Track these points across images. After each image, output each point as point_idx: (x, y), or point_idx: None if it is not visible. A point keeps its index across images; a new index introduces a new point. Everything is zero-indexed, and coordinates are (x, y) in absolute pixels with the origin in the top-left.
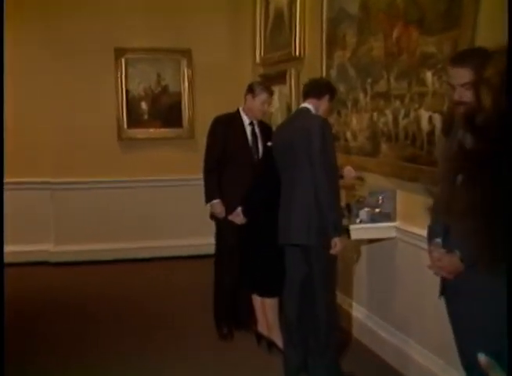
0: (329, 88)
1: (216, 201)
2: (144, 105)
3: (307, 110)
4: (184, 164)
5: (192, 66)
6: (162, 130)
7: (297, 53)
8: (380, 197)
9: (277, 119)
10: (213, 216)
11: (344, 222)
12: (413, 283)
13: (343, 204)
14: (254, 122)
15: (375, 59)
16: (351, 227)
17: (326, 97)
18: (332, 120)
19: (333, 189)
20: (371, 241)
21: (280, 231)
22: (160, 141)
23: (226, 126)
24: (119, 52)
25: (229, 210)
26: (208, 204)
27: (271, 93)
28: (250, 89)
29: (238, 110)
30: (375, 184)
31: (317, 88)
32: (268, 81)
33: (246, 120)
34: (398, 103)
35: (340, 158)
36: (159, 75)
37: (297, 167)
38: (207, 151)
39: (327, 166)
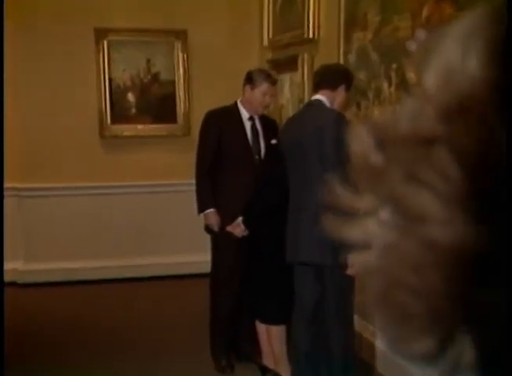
0: (345, 77)
1: (210, 211)
2: (131, 96)
3: (319, 102)
4: (178, 167)
5: (188, 50)
6: (152, 126)
7: (311, 35)
8: None
9: (288, 112)
10: (208, 228)
11: None
12: None
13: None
14: (255, 117)
15: (401, 41)
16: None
17: (342, 87)
18: (350, 114)
19: None
20: None
21: (288, 246)
22: (150, 139)
23: (221, 122)
24: (100, 34)
25: (227, 220)
26: (202, 214)
27: (273, 82)
28: (249, 78)
29: (235, 102)
30: None
31: (331, 77)
32: (277, 67)
33: (245, 114)
34: None
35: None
36: (148, 61)
37: (307, 170)
38: (198, 152)
39: (342, 163)
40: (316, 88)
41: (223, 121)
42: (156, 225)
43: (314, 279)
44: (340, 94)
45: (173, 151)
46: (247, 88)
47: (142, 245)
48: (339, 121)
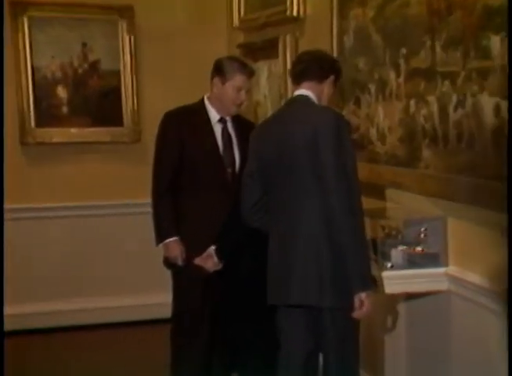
0: (333, 65)
1: (172, 240)
2: (62, 91)
3: (306, 99)
4: (126, 183)
5: (136, 31)
6: (91, 130)
7: (295, 12)
8: (423, 229)
9: (266, 111)
10: (168, 262)
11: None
12: (475, 358)
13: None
14: (227, 118)
15: (412, 19)
16: (378, 275)
17: (331, 78)
18: (346, 112)
19: (356, 220)
20: (410, 297)
21: (272, 285)
22: (87, 147)
23: (184, 126)
24: (18, 8)
25: (195, 251)
26: (161, 245)
27: (250, 74)
28: (218, 69)
29: (202, 100)
30: (414, 208)
31: (318, 66)
32: (252, 53)
33: (214, 115)
34: (447, 84)
35: (362, 169)
36: (84, 45)
37: (295, 186)
38: (155, 166)
39: (345, 181)
40: (298, 80)
41: (186, 124)
42: (97, 259)
43: (307, 325)
44: (329, 87)
45: (118, 162)
46: (217, 81)
47: (79, 285)
48: (339, 123)
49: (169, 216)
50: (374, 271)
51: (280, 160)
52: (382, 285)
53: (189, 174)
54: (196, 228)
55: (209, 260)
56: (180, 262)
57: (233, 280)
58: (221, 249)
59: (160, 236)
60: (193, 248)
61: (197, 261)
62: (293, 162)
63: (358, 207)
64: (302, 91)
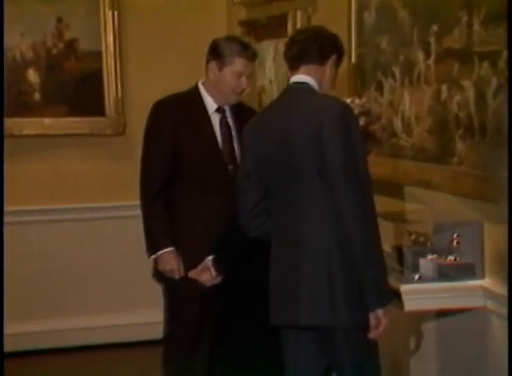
0: (335, 43)
1: (167, 251)
2: (33, 75)
3: (306, 86)
4: (108, 182)
5: (121, 6)
6: (68, 121)
7: None
8: (455, 235)
9: (272, 98)
10: (160, 276)
11: (391, 280)
12: None
13: (387, 247)
14: (226, 107)
15: None
16: (405, 289)
17: (333, 59)
18: (366, 99)
19: (370, 224)
20: (441, 314)
21: (276, 303)
22: (64, 140)
23: (177, 117)
24: None
25: (190, 263)
26: (153, 256)
27: (252, 57)
28: (215, 52)
29: (196, 86)
30: (445, 211)
31: (316, 46)
32: (256, 32)
33: (211, 104)
34: (486, 66)
35: (384, 165)
36: (60, 21)
37: (300, 191)
38: (144, 164)
39: (356, 185)
40: (295, 64)
41: (179, 115)
42: (72, 273)
43: (318, 347)
44: (331, 69)
45: (100, 158)
46: (213, 66)
47: (55, 303)
48: (346, 114)
49: (163, 223)
50: (399, 284)
51: (279, 160)
52: (407, 300)
53: (184, 173)
54: (191, 235)
55: (205, 273)
56: (177, 276)
57: (234, 294)
58: (220, 260)
59: (154, 247)
60: (189, 259)
61: (192, 274)
62: (295, 163)
63: (372, 212)
64: (300, 77)
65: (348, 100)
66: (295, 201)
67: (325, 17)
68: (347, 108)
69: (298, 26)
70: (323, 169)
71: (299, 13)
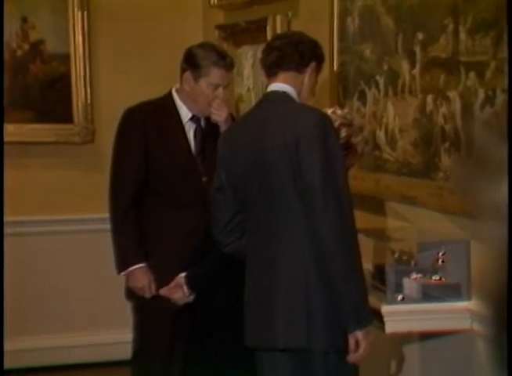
0: (315, 49)
1: (138, 267)
2: None
3: (284, 95)
4: (76, 193)
5: (91, 6)
6: (33, 128)
7: None
8: (441, 254)
9: (250, 107)
10: (130, 293)
11: (373, 300)
12: None
13: (367, 265)
14: (201, 116)
15: None
16: (387, 310)
17: (312, 66)
18: (349, 110)
19: (349, 242)
20: (425, 336)
21: (251, 323)
22: (28, 148)
23: (149, 126)
24: None
25: (162, 281)
26: (123, 273)
27: (229, 66)
28: (190, 62)
29: (170, 94)
30: (430, 229)
31: (294, 52)
32: (234, 37)
33: (185, 112)
34: (473, 77)
35: (366, 180)
36: (25, 21)
37: (277, 207)
38: (114, 175)
39: (335, 201)
40: (272, 71)
41: (152, 124)
42: (34, 289)
43: (295, 371)
44: (310, 77)
45: (67, 168)
46: (188, 76)
47: (20, 320)
48: (325, 127)
49: (133, 238)
50: (381, 304)
51: (255, 175)
52: (389, 322)
53: (156, 185)
54: (164, 251)
55: (177, 291)
56: (149, 294)
57: (207, 312)
58: (194, 277)
59: (124, 263)
60: (161, 276)
61: (163, 291)
62: (271, 178)
63: (351, 230)
64: (278, 85)
65: (329, 111)
66: (271, 218)
67: (306, 22)
68: (326, 119)
69: (278, 31)
70: (301, 185)
71: (279, 18)
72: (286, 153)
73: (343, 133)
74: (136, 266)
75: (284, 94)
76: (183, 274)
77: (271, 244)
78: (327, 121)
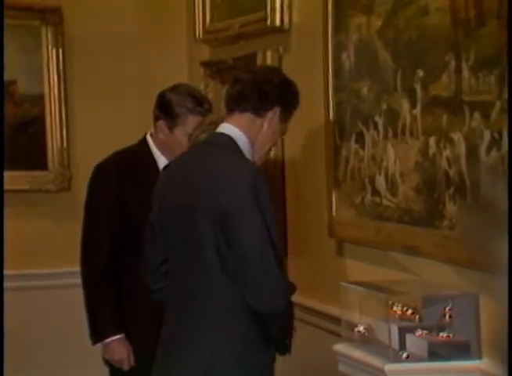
0: (283, 94)
1: (116, 338)
2: None
3: (227, 142)
4: (51, 245)
5: (66, 43)
6: (5, 175)
7: (278, 21)
8: (448, 309)
9: None
10: (109, 363)
11: (376, 358)
12: None
13: (369, 321)
14: None
15: (432, 32)
16: (390, 368)
17: (275, 111)
18: (346, 152)
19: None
20: None
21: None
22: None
23: (124, 180)
24: None
25: (141, 350)
26: (100, 344)
27: (207, 112)
28: (165, 109)
29: (145, 140)
30: (435, 282)
31: (256, 90)
32: (220, 74)
33: (162, 161)
34: (477, 118)
35: (365, 228)
36: None
37: (201, 263)
38: (86, 238)
39: (276, 261)
40: (231, 107)
41: (127, 178)
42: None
43: None
44: (270, 124)
45: (41, 218)
46: (163, 125)
47: None
48: (256, 186)
49: (110, 305)
50: (384, 363)
51: (178, 224)
52: None
53: (133, 242)
54: (142, 318)
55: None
56: (126, 367)
57: None
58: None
59: (99, 334)
60: (141, 345)
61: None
62: (193, 234)
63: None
64: (228, 127)
65: None
66: (189, 276)
67: (298, 58)
68: (257, 176)
69: None
70: (230, 252)
71: (269, 53)
72: (211, 216)
73: None
74: (113, 338)
75: (228, 139)
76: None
77: (186, 301)
78: (259, 177)
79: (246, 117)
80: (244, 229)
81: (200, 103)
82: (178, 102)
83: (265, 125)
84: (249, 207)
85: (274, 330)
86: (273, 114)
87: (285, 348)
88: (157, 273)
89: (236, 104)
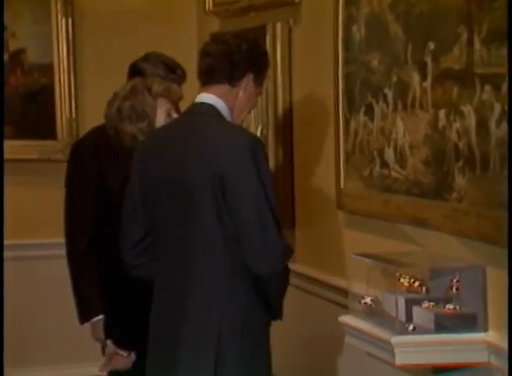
0: (251, 59)
1: (101, 318)
2: None
3: (211, 110)
4: (59, 214)
5: (76, 13)
6: (13, 144)
7: None
8: (455, 281)
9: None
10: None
11: (382, 330)
12: None
13: (376, 292)
14: None
15: (444, 4)
16: (397, 340)
17: (248, 78)
18: (355, 124)
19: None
20: (438, 370)
21: (153, 365)
22: (8, 167)
23: (101, 155)
24: None
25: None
26: (86, 324)
27: (181, 80)
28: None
29: None
30: (443, 254)
31: (227, 62)
32: None
33: None
34: (488, 90)
35: (373, 201)
36: (5, 29)
37: (193, 234)
38: (69, 218)
39: (275, 227)
40: (205, 80)
41: (104, 153)
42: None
43: None
44: (245, 90)
45: (50, 187)
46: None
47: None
48: (255, 151)
49: (95, 284)
50: (390, 335)
51: (171, 194)
52: (400, 353)
53: (115, 221)
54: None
55: (118, 360)
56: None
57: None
58: (122, 338)
59: (86, 313)
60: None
61: (105, 368)
62: (191, 201)
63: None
64: (208, 96)
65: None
66: (185, 248)
67: (308, 30)
68: (256, 142)
69: (278, 40)
70: (226, 217)
71: (279, 25)
72: (210, 182)
73: None
74: (99, 317)
75: (211, 108)
76: (109, 341)
77: (183, 275)
78: (257, 143)
79: (222, 87)
80: (243, 189)
81: (173, 70)
82: (151, 71)
83: (241, 93)
84: (248, 168)
85: (272, 292)
86: (247, 82)
87: (278, 313)
88: (136, 249)
89: (208, 78)
